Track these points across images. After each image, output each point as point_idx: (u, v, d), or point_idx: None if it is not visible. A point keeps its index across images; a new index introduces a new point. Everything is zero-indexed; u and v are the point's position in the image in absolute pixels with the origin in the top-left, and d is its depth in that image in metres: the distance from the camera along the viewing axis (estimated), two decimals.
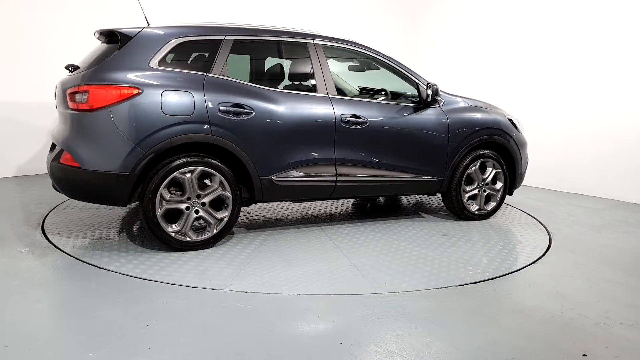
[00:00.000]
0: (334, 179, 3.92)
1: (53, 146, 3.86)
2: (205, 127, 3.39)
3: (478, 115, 4.55)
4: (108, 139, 3.23)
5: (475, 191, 4.57)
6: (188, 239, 3.45)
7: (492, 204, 4.69)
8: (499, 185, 4.67)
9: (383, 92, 4.55)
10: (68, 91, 3.33)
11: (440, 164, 4.35)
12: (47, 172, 3.60)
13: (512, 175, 4.77)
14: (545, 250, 3.88)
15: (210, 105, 3.41)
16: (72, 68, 3.62)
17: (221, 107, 3.44)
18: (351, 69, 4.69)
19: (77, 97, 3.25)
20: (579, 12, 6.35)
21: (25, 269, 3.02)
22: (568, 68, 6.48)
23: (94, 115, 3.21)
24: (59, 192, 3.54)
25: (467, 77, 7.69)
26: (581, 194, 6.29)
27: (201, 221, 3.50)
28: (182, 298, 2.71)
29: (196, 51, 3.72)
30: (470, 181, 4.54)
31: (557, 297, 2.95)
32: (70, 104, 3.31)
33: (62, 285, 2.85)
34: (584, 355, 2.29)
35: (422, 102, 4.27)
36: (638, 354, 2.33)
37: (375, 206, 5.13)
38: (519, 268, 3.43)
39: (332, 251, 3.62)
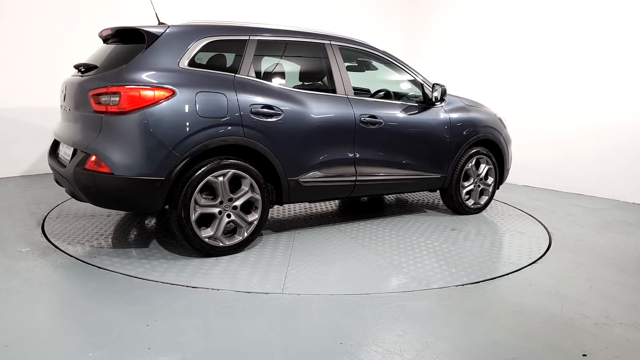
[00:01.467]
0: (353, 178, 3.99)
1: (54, 147, 3.81)
2: (239, 129, 3.33)
3: (476, 114, 4.79)
4: (143, 143, 3.05)
5: (472, 186, 4.82)
6: (220, 243, 3.36)
7: (485, 198, 4.98)
8: (490, 180, 4.94)
9: (383, 92, 4.57)
10: (91, 92, 3.14)
11: (444, 161, 4.55)
12: (51, 173, 3.54)
13: (501, 171, 5.06)
14: (545, 250, 3.88)
15: (242, 106, 3.35)
16: (83, 68, 3.46)
17: (253, 109, 3.40)
18: (349, 69, 4.70)
19: (104, 98, 3.08)
20: (580, 11, 6.35)
21: (25, 269, 3.02)
22: (568, 67, 6.48)
23: (127, 118, 3.04)
24: (80, 200, 3.34)
25: (466, 76, 7.69)
26: (581, 194, 6.29)
27: (230, 224, 3.41)
28: (182, 298, 2.71)
29: (223, 51, 3.62)
30: (466, 177, 4.77)
31: (557, 297, 2.95)
32: (94, 106, 3.12)
33: (62, 285, 2.85)
34: (584, 355, 2.29)
35: (427, 102, 4.43)
36: (638, 354, 2.33)
37: (372, 205, 5.13)
38: (519, 268, 3.43)
39: (360, 250, 3.67)
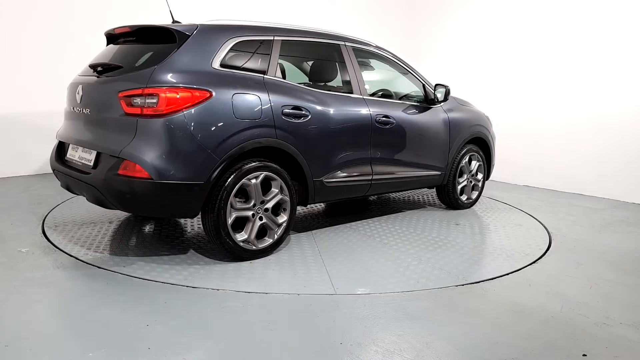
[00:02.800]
0: (370, 177, 4.06)
1: (59, 151, 3.65)
2: (271, 130, 3.30)
3: (469, 113, 5.05)
4: (183, 146, 2.96)
5: (465, 182, 5.05)
6: (253, 247, 3.32)
7: (475, 193, 5.25)
8: (480, 176, 5.22)
9: (381, 92, 4.60)
10: (121, 94, 3.00)
11: (444, 158, 4.75)
12: (51, 173, 3.48)
13: (489, 167, 5.34)
14: (545, 250, 3.88)
15: (274, 108, 3.33)
16: (101, 68, 3.30)
17: (284, 110, 3.39)
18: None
19: (138, 100, 2.94)
20: (580, 11, 6.35)
21: (25, 269, 3.02)
22: (569, 67, 6.48)
23: (165, 120, 2.91)
24: (105, 207, 3.18)
25: (466, 76, 7.69)
26: (581, 194, 6.29)
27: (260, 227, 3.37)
28: (182, 298, 2.71)
29: (250, 52, 3.51)
30: (461, 174, 5.00)
31: (557, 297, 2.95)
32: (126, 109, 2.98)
33: (62, 285, 2.85)
34: (584, 355, 2.29)
35: (428, 102, 4.59)
36: (638, 354, 2.33)
37: (365, 203, 5.13)
38: (519, 268, 3.43)
39: (383, 247, 3.73)
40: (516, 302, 2.85)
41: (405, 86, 4.67)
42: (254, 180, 3.23)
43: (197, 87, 3.02)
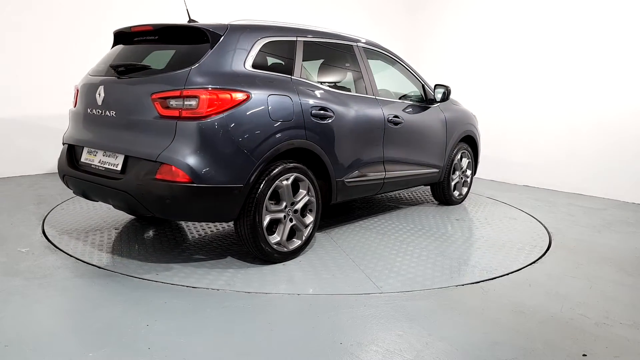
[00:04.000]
0: (383, 175, 4.14)
1: (70, 153, 3.47)
2: (301, 131, 3.30)
3: (461, 112, 5.23)
4: (224, 149, 2.91)
5: (457, 179, 5.26)
6: (285, 249, 3.29)
7: (465, 189, 5.46)
8: (469, 172, 5.44)
9: (384, 92, 4.62)
10: (156, 95, 2.90)
11: (442, 156, 4.92)
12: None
13: (476, 164, 5.57)
14: (545, 250, 3.88)
15: (304, 109, 3.33)
16: (124, 68, 3.19)
17: (312, 111, 3.40)
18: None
19: (175, 102, 2.86)
20: (579, 11, 6.35)
21: (25, 269, 3.02)
22: (569, 67, 6.49)
23: (206, 123, 2.84)
24: (137, 214, 3.05)
25: (466, 75, 7.69)
26: (581, 194, 6.29)
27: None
28: (182, 298, 2.71)
29: (277, 52, 3.50)
30: (454, 171, 5.18)
31: (557, 297, 2.95)
32: (161, 111, 2.88)
33: (62, 285, 2.85)
34: (584, 355, 2.29)
35: (427, 102, 4.72)
36: (638, 354, 2.33)
37: (357, 201, 5.13)
38: (519, 268, 3.43)
39: (402, 245, 3.80)
40: (516, 302, 2.85)
41: (405, 86, 4.73)
42: (285, 182, 3.22)
43: (236, 88, 2.98)
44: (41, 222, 4.01)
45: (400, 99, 4.54)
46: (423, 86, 4.69)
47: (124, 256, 3.31)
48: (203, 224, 4.10)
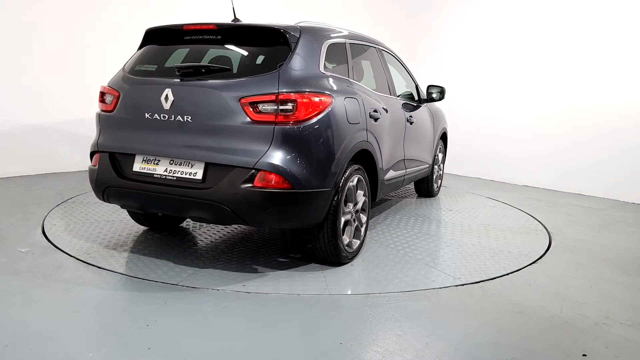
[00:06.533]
0: (404, 173, 4.34)
1: (114, 163, 3.12)
2: (364, 133, 3.33)
3: (440, 110, 5.58)
4: (318, 153, 2.90)
5: (437, 172, 5.66)
6: (350, 249, 3.30)
7: (440, 181, 5.88)
8: (442, 166, 5.89)
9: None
10: (246, 100, 2.75)
11: (432, 152, 5.26)
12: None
13: (444, 157, 5.94)
14: (545, 250, 3.88)
15: (366, 111, 3.39)
16: (183, 70, 2.97)
17: (370, 113, 3.45)
18: None
19: (269, 107, 2.74)
20: (578, 11, 6.35)
21: (25, 269, 3.02)
22: (570, 67, 6.49)
23: (304, 127, 2.80)
24: (225, 224, 3.06)
25: (466, 75, 7.69)
26: (581, 194, 6.29)
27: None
28: (182, 298, 2.71)
29: (336, 55, 3.46)
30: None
31: (557, 297, 2.95)
32: (253, 116, 2.74)
33: (61, 285, 2.85)
34: (584, 355, 2.29)
35: (420, 101, 4.91)
36: (638, 354, 2.33)
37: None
38: (519, 268, 3.43)
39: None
40: (516, 302, 2.85)
41: (402, 85, 4.87)
42: (350, 184, 3.23)
43: (324, 92, 2.97)
44: (41, 222, 4.01)
45: (398, 97, 4.58)
46: (416, 85, 4.89)
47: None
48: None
